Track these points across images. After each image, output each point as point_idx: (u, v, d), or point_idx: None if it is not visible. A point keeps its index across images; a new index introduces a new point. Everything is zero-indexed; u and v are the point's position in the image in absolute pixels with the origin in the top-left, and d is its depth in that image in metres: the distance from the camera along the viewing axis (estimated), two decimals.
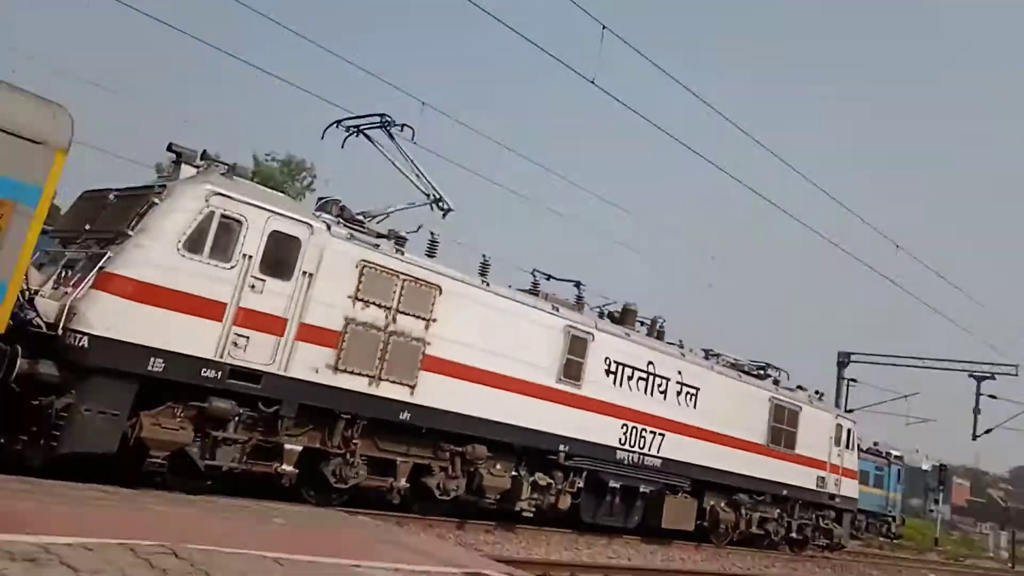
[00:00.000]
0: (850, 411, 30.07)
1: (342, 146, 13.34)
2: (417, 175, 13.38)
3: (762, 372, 20.33)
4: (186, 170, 10.24)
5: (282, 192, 15.53)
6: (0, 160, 7.83)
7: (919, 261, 26.21)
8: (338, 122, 13.45)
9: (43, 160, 8.14)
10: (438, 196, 13.46)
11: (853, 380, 38.45)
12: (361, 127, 13.27)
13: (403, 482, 12.30)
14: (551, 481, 14.40)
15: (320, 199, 12.73)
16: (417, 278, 12.05)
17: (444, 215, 13.51)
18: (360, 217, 12.30)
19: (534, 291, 14.96)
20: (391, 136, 13.13)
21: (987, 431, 40.16)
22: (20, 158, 7.98)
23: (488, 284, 13.31)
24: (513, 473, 13.86)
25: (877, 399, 40.47)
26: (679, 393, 16.83)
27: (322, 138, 13.58)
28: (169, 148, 10.34)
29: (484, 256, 13.85)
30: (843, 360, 38.39)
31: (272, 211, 10.43)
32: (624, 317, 17.06)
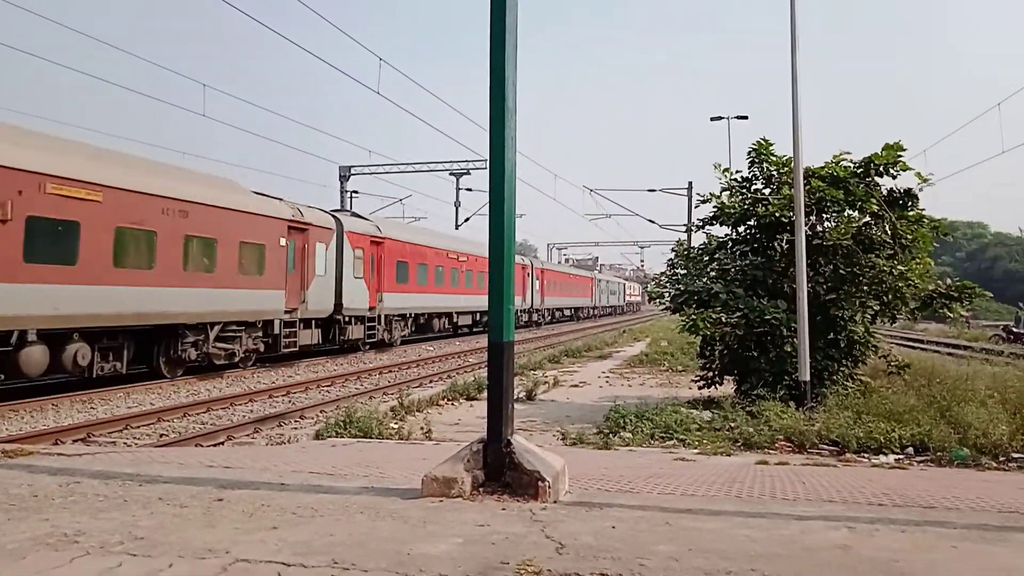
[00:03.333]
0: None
1: None
2: None
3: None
4: None
5: None
6: None
7: (404, 75, 28.45)
8: None
9: None
10: None
11: (355, 192, 41.50)
12: None
13: None
14: None
15: None
16: None
17: None
18: None
19: None
20: None
21: (467, 219, 47.21)
22: None
23: None
24: None
25: (380, 205, 44.48)
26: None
27: None
28: None
29: None
30: (344, 174, 40.95)
31: None
32: None
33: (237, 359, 19.28)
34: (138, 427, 12.36)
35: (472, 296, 35.12)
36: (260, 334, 20.03)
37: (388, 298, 27.65)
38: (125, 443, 10.97)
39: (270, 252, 20.07)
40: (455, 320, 35.08)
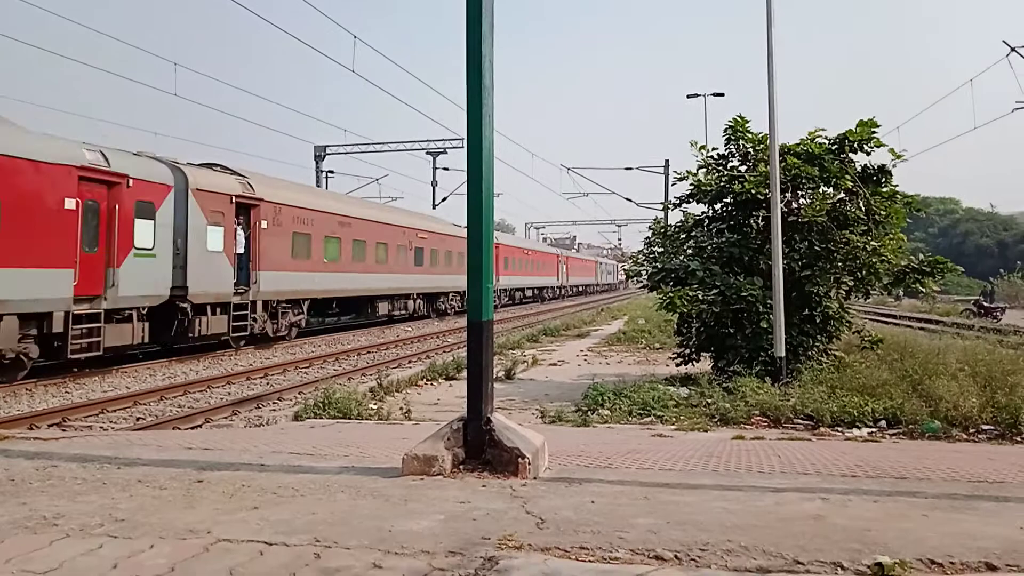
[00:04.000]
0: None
1: None
2: None
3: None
4: None
5: None
6: None
7: (380, 53, 28.30)
8: None
9: None
10: None
11: (331, 172, 41.13)
12: None
13: None
14: None
15: None
16: None
17: None
18: None
19: None
20: None
21: (444, 199, 47.03)
22: None
23: None
24: None
25: (355, 185, 44.15)
26: None
27: None
28: None
29: None
30: (319, 154, 40.53)
31: None
32: None
33: (453, 311, 36.45)
34: (114, 411, 12.27)
35: (533, 277, 56.60)
36: (459, 299, 36.32)
37: (501, 280, 44.57)
38: (101, 427, 10.89)
39: (461, 255, 34.59)
40: (524, 292, 55.90)
